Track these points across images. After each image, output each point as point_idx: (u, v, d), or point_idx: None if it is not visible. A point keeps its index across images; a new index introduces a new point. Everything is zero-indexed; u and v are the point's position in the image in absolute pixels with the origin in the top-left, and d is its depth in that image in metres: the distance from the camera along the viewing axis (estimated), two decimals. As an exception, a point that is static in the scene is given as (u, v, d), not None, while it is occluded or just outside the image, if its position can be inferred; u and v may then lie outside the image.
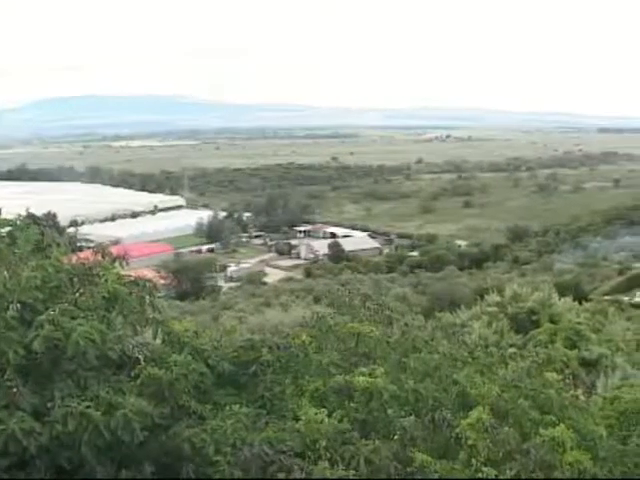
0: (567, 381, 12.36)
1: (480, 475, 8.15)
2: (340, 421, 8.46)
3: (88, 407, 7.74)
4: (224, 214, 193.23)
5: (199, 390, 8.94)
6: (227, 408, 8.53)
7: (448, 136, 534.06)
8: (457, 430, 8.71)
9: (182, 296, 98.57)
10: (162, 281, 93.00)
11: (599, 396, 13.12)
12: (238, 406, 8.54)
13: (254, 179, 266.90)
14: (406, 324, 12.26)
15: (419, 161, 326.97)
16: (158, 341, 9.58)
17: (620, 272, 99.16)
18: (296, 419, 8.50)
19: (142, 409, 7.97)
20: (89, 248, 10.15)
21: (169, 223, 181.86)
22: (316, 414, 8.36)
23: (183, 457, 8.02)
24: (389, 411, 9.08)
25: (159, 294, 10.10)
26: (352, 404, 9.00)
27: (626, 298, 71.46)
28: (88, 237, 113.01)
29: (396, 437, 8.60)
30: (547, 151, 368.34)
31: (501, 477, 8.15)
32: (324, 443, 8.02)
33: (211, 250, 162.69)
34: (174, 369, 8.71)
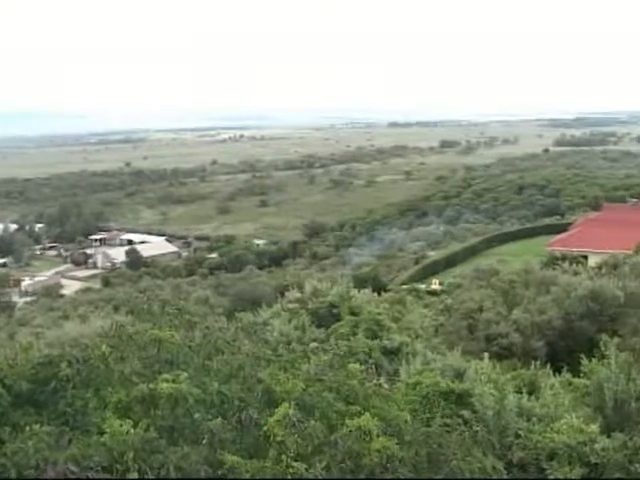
0: (370, 371, 12.57)
1: (291, 471, 8.18)
2: (146, 430, 8.30)
3: None
4: (15, 227, 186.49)
5: (-5, 413, 8.55)
6: (27, 429, 8.19)
7: (241, 136, 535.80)
8: (265, 428, 8.72)
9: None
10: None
11: (402, 382, 13.44)
12: (39, 425, 8.22)
13: (45, 189, 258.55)
14: (207, 327, 12.18)
15: (214, 162, 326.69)
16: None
17: (416, 261, 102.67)
18: (101, 433, 8.26)
19: None
20: None
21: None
22: (121, 426, 8.17)
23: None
24: (196, 415, 8.98)
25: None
26: (157, 412, 8.85)
27: (423, 286, 74.06)
28: None
29: (204, 441, 8.52)
30: (340, 147, 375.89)
31: (311, 471, 8.22)
32: (132, 454, 7.84)
33: (3, 265, 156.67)
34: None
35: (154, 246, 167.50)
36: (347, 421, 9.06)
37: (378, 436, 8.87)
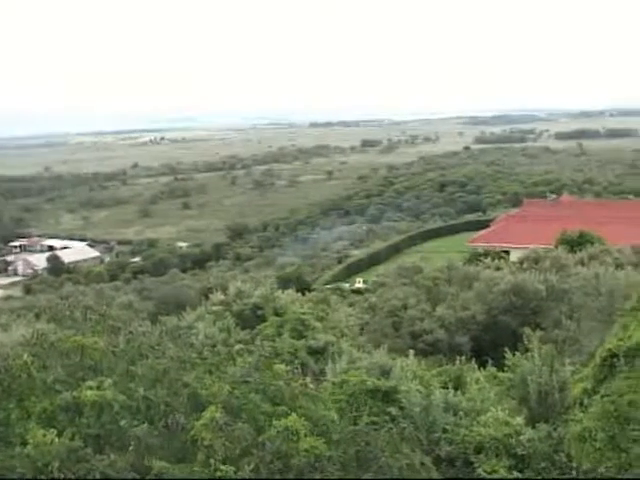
0: (296, 371, 12.58)
1: (219, 474, 8.15)
2: (71, 439, 8.18)
3: None
4: None
5: None
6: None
7: (162, 139, 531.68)
8: (192, 432, 8.67)
9: None
10: None
11: (328, 382, 13.48)
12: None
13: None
14: (131, 332, 12.04)
15: (135, 165, 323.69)
16: None
17: (339, 260, 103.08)
18: (24, 444, 8.11)
19: None
20: None
21: None
22: (45, 436, 8.03)
23: None
24: (122, 422, 8.88)
25: None
26: (82, 420, 8.73)
27: (347, 285, 74.41)
28: None
29: (131, 447, 8.42)
30: (262, 148, 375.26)
31: (240, 473, 8.19)
32: (57, 464, 7.71)
33: None
34: None
35: (76, 251, 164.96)
36: (274, 422, 9.07)
37: (306, 436, 8.89)
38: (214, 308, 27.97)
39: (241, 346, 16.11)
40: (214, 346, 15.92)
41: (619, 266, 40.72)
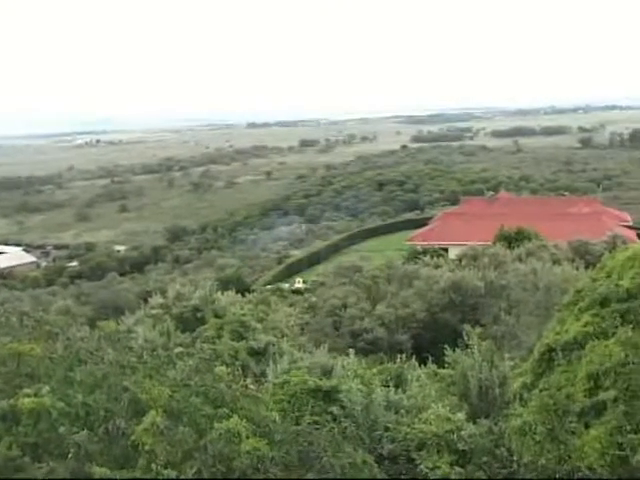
0: (237, 373, 12.56)
1: (161, 478, 8.09)
2: (9, 448, 8.05)
3: None
4: None
5: None
6: None
7: (98, 141, 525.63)
8: (133, 437, 8.59)
9: None
10: None
11: (270, 383, 13.47)
12: None
13: None
14: (69, 337, 11.90)
15: (70, 168, 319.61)
16: None
17: (279, 261, 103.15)
18: (-41, 455, 7.97)
19: None
20: None
21: None
22: (-21, 445, 7.89)
23: None
24: (60, 429, 8.75)
25: None
26: (20, 428, 8.59)
27: (287, 285, 74.45)
28: None
29: (71, 455, 8.31)
30: (199, 149, 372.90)
31: (182, 477, 8.15)
32: (-6, 474, 7.59)
33: None
34: None
35: (10, 257, 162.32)
36: (216, 424, 9.03)
37: (248, 437, 8.88)
38: (153, 312, 27.81)
39: (181, 349, 16.00)
40: (154, 350, 15.80)
41: (556, 262, 41.45)
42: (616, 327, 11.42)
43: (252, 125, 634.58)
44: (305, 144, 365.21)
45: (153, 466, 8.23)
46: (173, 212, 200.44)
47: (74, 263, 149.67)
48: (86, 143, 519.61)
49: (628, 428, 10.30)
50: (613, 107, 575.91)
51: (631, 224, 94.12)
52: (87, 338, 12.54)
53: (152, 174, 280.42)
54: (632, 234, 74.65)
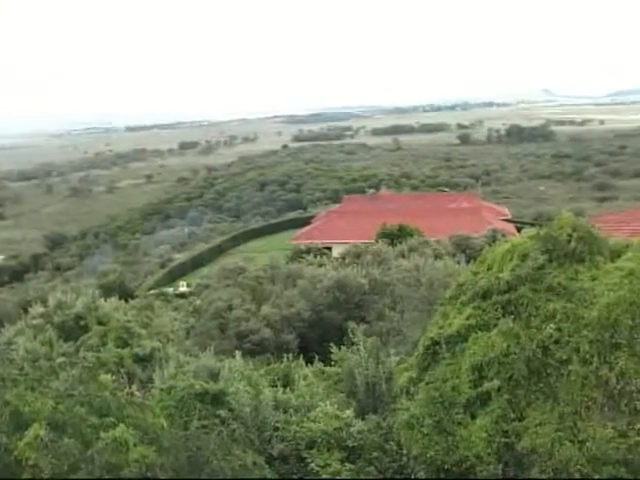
0: (122, 380, 12.38)
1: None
2: None
3: None
4: None
5: None
6: None
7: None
8: (15, 452, 8.38)
9: None
10: None
11: (156, 389, 13.32)
12: None
13: None
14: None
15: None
16: None
17: (162, 265, 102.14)
18: None
19: None
20: None
21: None
22: None
23: None
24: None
25: None
26: None
27: (171, 289, 73.80)
28: None
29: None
30: (77, 154, 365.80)
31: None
32: None
33: None
34: None
35: None
36: (102, 434, 8.90)
37: (135, 445, 8.77)
38: (34, 321, 27.09)
39: (64, 359, 15.70)
40: (36, 361, 15.47)
41: (438, 257, 42.27)
42: (498, 319, 11.68)
43: (131, 128, 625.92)
44: (185, 146, 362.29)
45: (37, 480, 8.05)
46: (53, 219, 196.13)
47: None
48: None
49: (512, 416, 10.60)
50: (490, 104, 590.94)
51: (510, 218, 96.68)
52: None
53: (29, 180, 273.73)
54: (511, 227, 76.66)
